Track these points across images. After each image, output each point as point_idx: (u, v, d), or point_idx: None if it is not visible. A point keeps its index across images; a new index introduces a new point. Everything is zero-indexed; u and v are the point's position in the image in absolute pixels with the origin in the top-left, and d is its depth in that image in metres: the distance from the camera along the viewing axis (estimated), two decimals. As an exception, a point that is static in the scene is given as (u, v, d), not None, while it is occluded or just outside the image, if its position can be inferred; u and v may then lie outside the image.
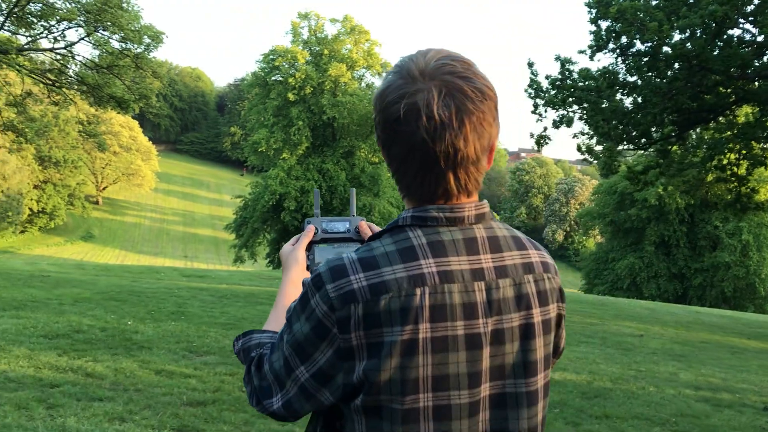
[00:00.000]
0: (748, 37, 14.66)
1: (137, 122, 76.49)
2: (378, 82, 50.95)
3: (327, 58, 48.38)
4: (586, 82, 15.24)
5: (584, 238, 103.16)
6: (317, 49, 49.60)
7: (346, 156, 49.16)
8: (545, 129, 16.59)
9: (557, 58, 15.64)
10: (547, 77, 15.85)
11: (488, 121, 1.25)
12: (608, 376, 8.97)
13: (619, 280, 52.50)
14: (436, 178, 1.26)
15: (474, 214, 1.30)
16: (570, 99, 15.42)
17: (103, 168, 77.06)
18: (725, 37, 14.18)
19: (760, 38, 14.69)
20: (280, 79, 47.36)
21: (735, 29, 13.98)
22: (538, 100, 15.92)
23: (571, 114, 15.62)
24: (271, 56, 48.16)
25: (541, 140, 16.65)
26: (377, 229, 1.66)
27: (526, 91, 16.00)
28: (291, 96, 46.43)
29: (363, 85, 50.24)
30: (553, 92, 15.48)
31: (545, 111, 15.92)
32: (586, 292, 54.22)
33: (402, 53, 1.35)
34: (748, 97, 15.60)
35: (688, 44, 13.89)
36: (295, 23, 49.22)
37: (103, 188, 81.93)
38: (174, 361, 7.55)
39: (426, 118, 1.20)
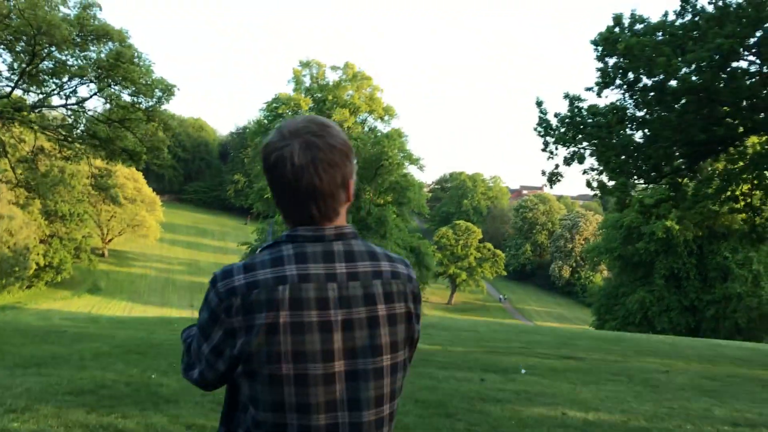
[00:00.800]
0: (753, 69, 14.76)
1: (141, 174, 76.92)
2: (381, 126, 51.54)
3: (330, 104, 48.98)
4: (596, 119, 15.31)
5: (591, 273, 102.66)
6: (319, 95, 50.24)
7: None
8: (557, 166, 16.63)
9: (566, 96, 15.74)
10: (556, 115, 15.94)
11: (337, 165, 1.69)
12: (642, 414, 8.78)
13: (630, 314, 51.99)
14: (303, 207, 1.72)
15: (333, 233, 1.74)
16: (580, 136, 15.48)
17: (109, 220, 77.22)
18: (730, 69, 14.27)
19: (765, 69, 14.81)
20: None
21: (741, 61, 14.07)
22: (548, 138, 15.98)
23: (582, 150, 15.67)
24: (275, 104, 48.75)
25: (554, 177, 16.67)
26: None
27: (535, 129, 16.09)
28: (298, 143, 46.83)
29: (366, 129, 50.73)
30: (563, 130, 15.54)
31: (556, 148, 15.97)
32: (597, 328, 53.71)
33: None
34: (757, 127, 15.67)
35: (695, 77, 13.98)
36: (297, 71, 49.94)
37: (109, 240, 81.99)
38: (203, 415, 7.40)
39: (290, 165, 1.66)
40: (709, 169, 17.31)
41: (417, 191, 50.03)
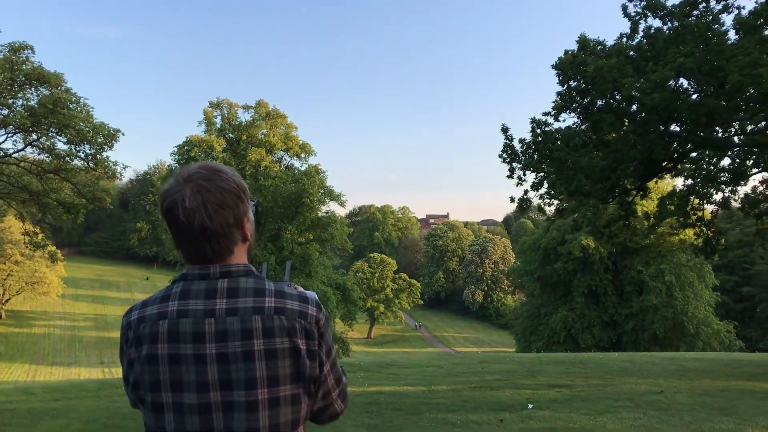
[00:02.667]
0: (705, 87, 15.19)
1: (38, 227, 72.25)
2: (298, 164, 50.68)
3: (244, 143, 47.72)
4: (558, 143, 15.32)
5: (503, 295, 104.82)
6: (232, 136, 48.92)
7: (273, 239, 48.02)
8: (526, 192, 16.51)
9: (532, 121, 15.73)
10: (521, 141, 15.87)
11: (228, 206, 1.83)
12: (689, 441, 8.49)
13: (554, 334, 52.97)
14: (197, 247, 1.83)
15: (219, 272, 1.85)
16: (543, 160, 15.43)
17: (5, 279, 71.86)
18: (687, 87, 14.66)
19: (712, 88, 15.28)
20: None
21: (699, 80, 14.43)
22: (514, 164, 15.87)
23: (545, 174, 15.61)
24: (186, 147, 46.93)
25: (524, 203, 16.53)
26: (302, 290, 2.06)
27: (500, 156, 15.94)
28: (211, 185, 45.33)
29: (283, 167, 49.70)
30: (529, 153, 15.46)
31: (524, 174, 15.86)
32: (522, 351, 54.41)
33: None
34: (706, 143, 16.13)
35: (655, 96, 14.20)
36: (208, 112, 48.45)
37: (6, 301, 76.23)
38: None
39: (182, 208, 1.78)
40: (682, 185, 17.64)
41: (339, 227, 49.37)
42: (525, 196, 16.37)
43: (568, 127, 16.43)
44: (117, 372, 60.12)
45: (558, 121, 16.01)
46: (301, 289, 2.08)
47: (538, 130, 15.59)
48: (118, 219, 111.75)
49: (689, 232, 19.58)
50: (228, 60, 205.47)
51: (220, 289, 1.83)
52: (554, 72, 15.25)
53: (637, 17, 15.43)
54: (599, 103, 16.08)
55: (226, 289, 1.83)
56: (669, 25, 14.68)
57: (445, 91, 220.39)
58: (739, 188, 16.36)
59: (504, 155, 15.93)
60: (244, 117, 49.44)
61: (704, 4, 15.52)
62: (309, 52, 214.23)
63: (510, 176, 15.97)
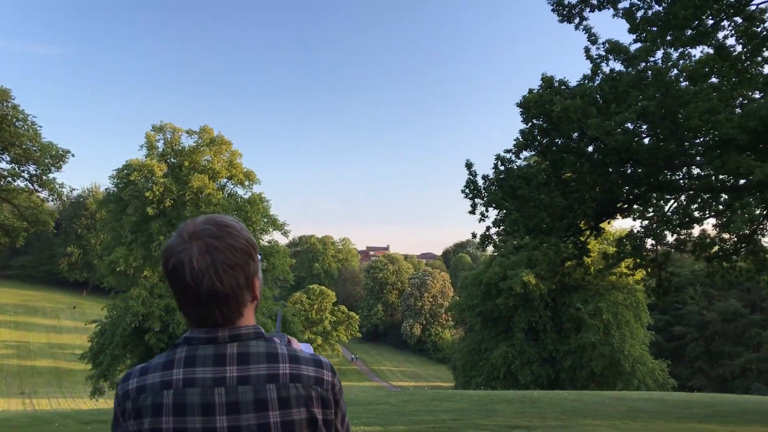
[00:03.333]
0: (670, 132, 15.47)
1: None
2: (242, 191, 49.78)
3: (187, 169, 46.63)
4: (520, 181, 15.32)
5: (441, 330, 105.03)
6: (174, 161, 47.79)
7: (220, 269, 46.88)
8: (488, 229, 16.42)
9: (497, 157, 15.72)
10: (484, 177, 15.81)
11: (239, 265, 1.68)
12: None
13: (495, 369, 53.11)
14: (205, 311, 1.68)
15: (228, 335, 1.69)
16: (505, 197, 15.39)
17: None
18: (648, 129, 14.90)
19: (666, 132, 15.59)
20: (137, 193, 44.69)
21: (659, 123, 14.67)
22: (476, 200, 15.79)
23: (508, 211, 15.56)
24: (126, 171, 45.61)
25: (486, 240, 16.43)
26: (296, 344, 1.98)
27: (463, 191, 15.84)
28: (150, 210, 43.97)
29: (226, 194, 48.71)
30: (492, 190, 15.41)
31: (486, 210, 15.78)
32: (462, 387, 54.34)
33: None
34: (663, 186, 16.41)
35: (619, 137, 14.37)
36: (151, 136, 47.29)
37: None
38: None
39: (189, 269, 1.63)
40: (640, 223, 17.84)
41: (282, 257, 48.61)
42: (487, 233, 16.28)
43: (529, 165, 16.48)
44: (39, 404, 57.17)
45: (519, 158, 16.08)
46: (297, 343, 2.01)
47: (502, 167, 15.59)
48: (47, 242, 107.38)
49: (638, 274, 19.82)
50: (173, 84, 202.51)
51: (230, 354, 1.69)
52: (519, 110, 15.30)
53: (599, 60, 15.70)
54: (559, 141, 16.20)
55: (236, 354, 1.69)
56: (630, 68, 14.95)
57: (388, 124, 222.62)
58: (692, 230, 16.71)
59: (467, 191, 15.84)
60: (188, 142, 48.46)
61: (663, 51, 15.92)
62: (256, 80, 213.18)
63: (472, 212, 15.88)
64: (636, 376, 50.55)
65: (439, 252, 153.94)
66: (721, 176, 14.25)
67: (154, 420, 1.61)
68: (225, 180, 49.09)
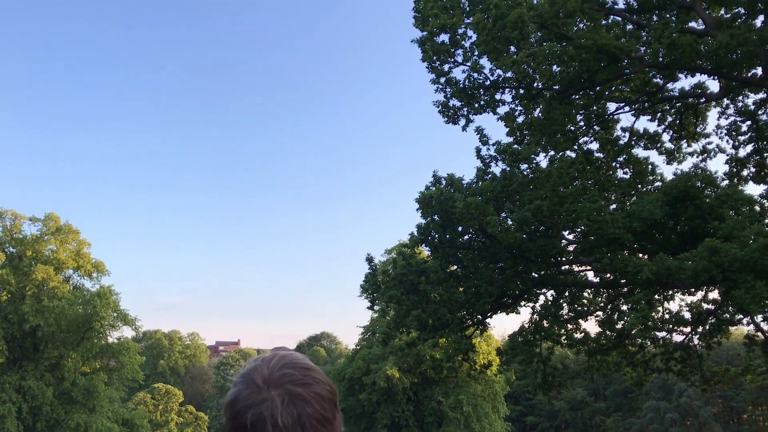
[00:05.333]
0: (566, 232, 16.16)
1: None
2: (89, 284, 46.25)
3: (29, 260, 42.88)
4: (421, 277, 15.27)
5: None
6: (14, 250, 43.83)
7: (52, 368, 42.72)
8: (390, 325, 16.04)
9: (400, 253, 15.60)
10: (383, 272, 15.60)
11: (327, 419, 1.47)
12: None
13: (356, 469, 51.52)
14: None
15: None
16: (405, 293, 15.23)
17: None
18: (541, 227, 15.48)
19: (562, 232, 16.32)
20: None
21: (550, 222, 15.31)
22: (375, 296, 15.48)
23: (408, 306, 15.37)
24: (-44, 259, 41.10)
25: (388, 338, 16.02)
26: None
27: (362, 286, 15.50)
28: (-18, 305, 39.67)
29: (72, 287, 45.04)
30: (392, 285, 15.20)
31: (387, 306, 15.47)
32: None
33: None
34: (548, 281, 16.99)
35: (517, 234, 14.78)
36: (-14, 223, 43.27)
37: None
38: None
39: (272, 427, 1.39)
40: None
41: (132, 355, 45.21)
42: (389, 330, 15.92)
43: (423, 261, 16.51)
44: None
45: (416, 253, 16.08)
46: None
47: (403, 262, 15.48)
48: None
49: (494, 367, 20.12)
50: (17, 169, 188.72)
51: None
52: (416, 206, 15.43)
53: (489, 160, 16.33)
54: (450, 236, 16.43)
55: None
56: (517, 170, 15.64)
57: (236, 214, 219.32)
58: (577, 325, 17.29)
59: (366, 286, 15.52)
60: (31, 230, 44.73)
61: (545, 154, 16.85)
62: (107, 167, 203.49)
63: (371, 308, 15.53)
64: (496, 468, 51.00)
65: (292, 346, 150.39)
66: (607, 274, 14.94)
67: None
68: (71, 271, 45.56)
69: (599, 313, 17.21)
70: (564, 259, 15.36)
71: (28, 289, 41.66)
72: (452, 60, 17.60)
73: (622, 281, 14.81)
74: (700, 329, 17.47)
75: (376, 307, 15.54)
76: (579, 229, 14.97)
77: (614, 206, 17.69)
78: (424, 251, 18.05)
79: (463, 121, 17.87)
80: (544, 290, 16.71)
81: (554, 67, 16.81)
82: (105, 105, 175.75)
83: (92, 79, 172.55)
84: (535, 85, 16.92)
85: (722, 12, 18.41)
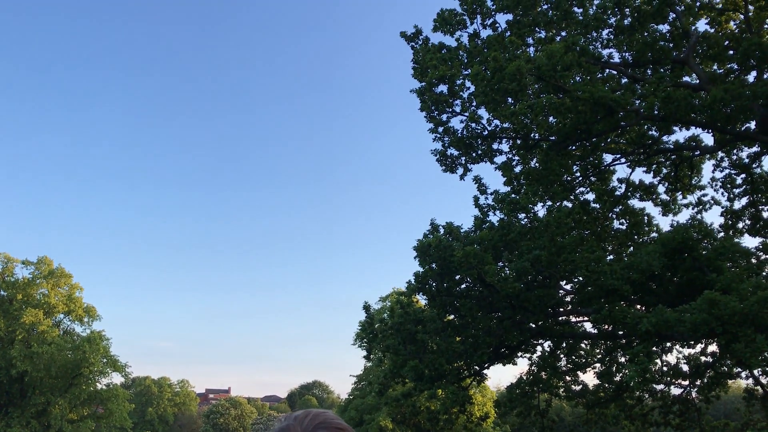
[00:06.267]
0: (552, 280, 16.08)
1: None
2: (79, 328, 45.74)
3: (19, 303, 42.42)
4: (418, 326, 15.14)
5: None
6: (5, 294, 43.45)
7: (38, 415, 41.86)
8: (386, 376, 15.81)
9: (397, 302, 15.48)
10: (381, 321, 15.45)
11: None
12: None
13: None
14: None
15: None
16: (402, 343, 15.07)
17: None
18: (539, 278, 15.42)
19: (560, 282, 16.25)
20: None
21: (548, 272, 15.24)
22: (373, 345, 15.30)
23: (405, 356, 15.19)
24: (-56, 303, 40.70)
25: (384, 388, 15.78)
26: None
27: (358, 334, 15.36)
28: (-31, 349, 39.11)
29: (62, 331, 44.49)
30: (389, 335, 15.04)
31: (384, 355, 15.27)
32: None
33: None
34: (546, 332, 16.85)
35: (516, 285, 14.70)
36: (-23, 266, 42.97)
37: None
38: None
39: None
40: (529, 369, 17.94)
41: (120, 402, 44.43)
42: (385, 380, 15.71)
43: (421, 310, 16.39)
44: None
45: (413, 301, 15.97)
46: None
47: (401, 311, 15.36)
48: None
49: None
50: (12, 212, 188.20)
51: None
52: (414, 254, 15.37)
53: (487, 209, 16.37)
54: (448, 286, 16.34)
55: None
56: (514, 219, 15.68)
57: (228, 262, 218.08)
58: (576, 378, 17.10)
59: (362, 334, 15.35)
60: (23, 273, 44.39)
61: (542, 203, 16.89)
62: (98, 210, 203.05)
63: (367, 357, 15.31)
64: None
65: (283, 394, 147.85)
66: (606, 326, 14.84)
67: None
68: (62, 315, 45.09)
69: (597, 364, 17.04)
70: (562, 309, 15.28)
71: (18, 334, 41.14)
72: (450, 110, 17.83)
73: (621, 333, 14.70)
74: (698, 382, 17.31)
75: (373, 356, 15.29)
76: (577, 280, 14.90)
77: (611, 257, 17.69)
78: (420, 300, 17.92)
79: (460, 170, 18.03)
80: (541, 341, 16.55)
81: (551, 118, 17.02)
82: (100, 150, 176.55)
83: (87, 125, 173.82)
84: (532, 135, 17.09)
85: (715, 67, 18.76)
